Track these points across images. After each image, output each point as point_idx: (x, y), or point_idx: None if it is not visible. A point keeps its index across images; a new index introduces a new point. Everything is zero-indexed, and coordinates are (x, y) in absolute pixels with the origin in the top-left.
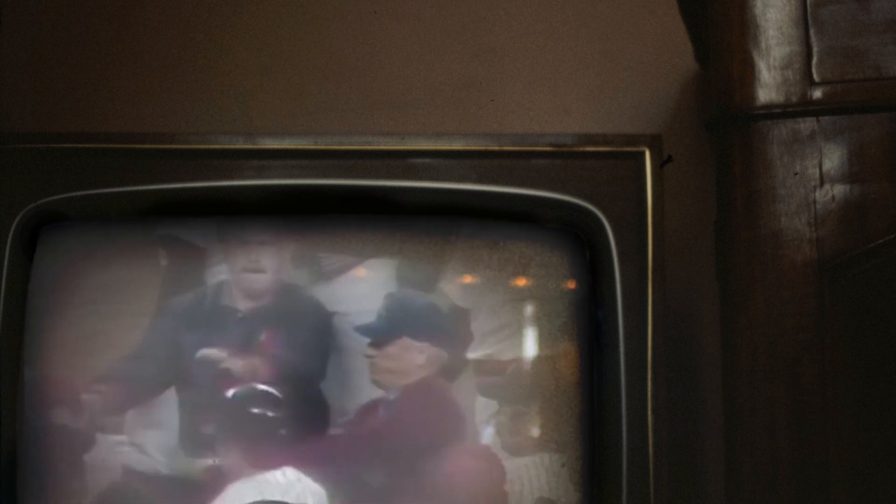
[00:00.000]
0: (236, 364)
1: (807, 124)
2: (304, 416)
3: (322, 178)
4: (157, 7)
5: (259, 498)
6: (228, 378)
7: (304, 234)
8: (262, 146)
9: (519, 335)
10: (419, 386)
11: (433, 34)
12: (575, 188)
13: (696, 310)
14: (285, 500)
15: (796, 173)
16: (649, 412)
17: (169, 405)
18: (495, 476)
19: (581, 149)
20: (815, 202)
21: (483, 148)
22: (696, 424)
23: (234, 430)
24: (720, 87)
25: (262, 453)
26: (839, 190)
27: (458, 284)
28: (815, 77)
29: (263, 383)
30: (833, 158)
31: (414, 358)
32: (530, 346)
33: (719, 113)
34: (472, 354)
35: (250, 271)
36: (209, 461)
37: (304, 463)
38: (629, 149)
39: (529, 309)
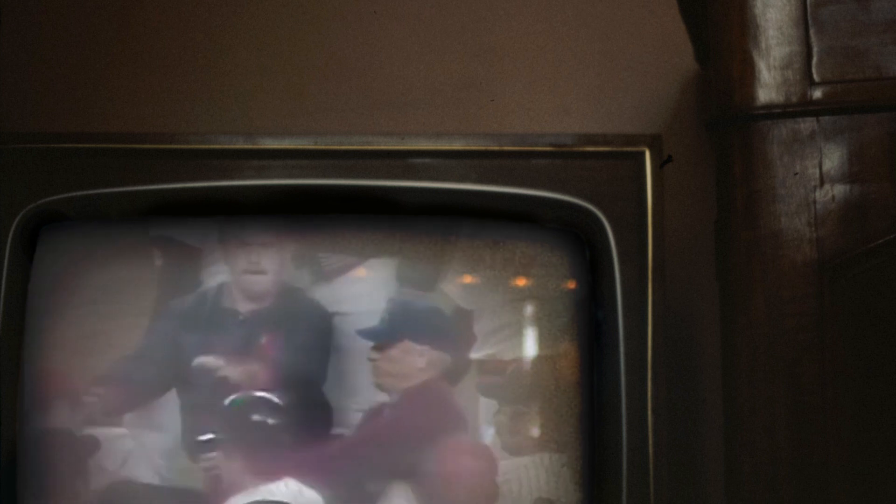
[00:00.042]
0: (234, 371)
1: (807, 124)
2: (306, 421)
3: (322, 178)
4: (157, 7)
5: None
6: (227, 384)
7: (304, 234)
8: (262, 146)
9: (519, 335)
10: (420, 389)
11: (433, 34)
12: (575, 188)
13: (696, 310)
14: None
15: (796, 173)
16: (649, 412)
17: (170, 408)
18: (490, 472)
19: (581, 149)
20: (815, 202)
21: (483, 148)
22: (696, 424)
23: (232, 438)
24: (720, 87)
25: (263, 461)
26: (839, 190)
27: (459, 284)
28: (815, 77)
29: (263, 389)
30: (833, 158)
31: (415, 361)
32: (530, 346)
33: (719, 113)
34: (472, 355)
35: (251, 273)
36: (209, 469)
37: (305, 471)
38: (629, 149)
39: (530, 309)
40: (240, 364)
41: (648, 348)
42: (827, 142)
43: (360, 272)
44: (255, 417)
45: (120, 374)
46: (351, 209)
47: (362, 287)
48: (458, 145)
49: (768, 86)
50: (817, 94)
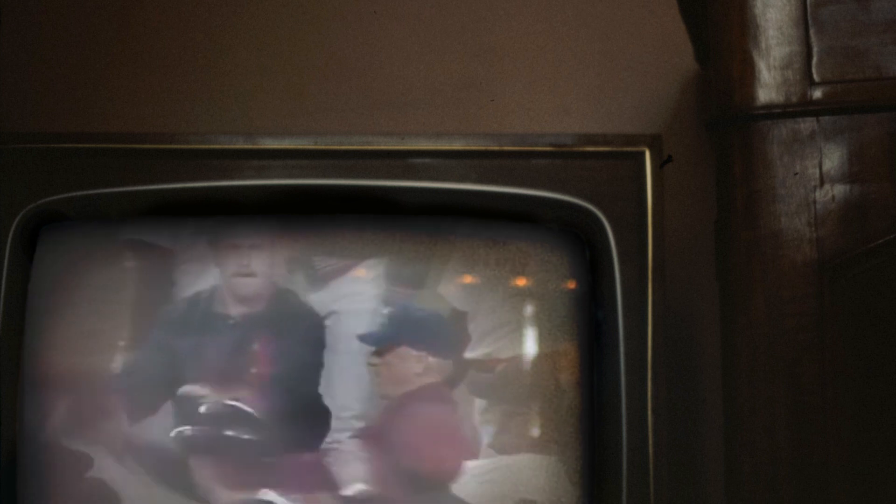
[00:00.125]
0: (219, 396)
1: (807, 124)
2: (301, 427)
3: (322, 178)
4: (157, 7)
5: None
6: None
7: (297, 236)
8: (262, 146)
9: (519, 335)
10: (417, 395)
11: (433, 34)
12: (575, 188)
13: (696, 310)
14: None
15: (796, 173)
16: (649, 412)
17: (164, 413)
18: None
19: (581, 149)
20: (815, 202)
21: (483, 148)
22: (696, 424)
23: (208, 446)
24: (720, 87)
25: (242, 471)
26: (839, 190)
27: (458, 284)
28: (815, 77)
29: (254, 398)
30: (833, 158)
31: (412, 367)
32: (530, 346)
33: (719, 113)
34: (471, 356)
35: (241, 275)
36: (199, 478)
37: (291, 480)
38: (629, 149)
39: (529, 309)
40: (227, 390)
41: (648, 348)
42: (827, 142)
43: (360, 272)
44: (230, 426)
45: (117, 377)
46: (351, 209)
47: (358, 287)
48: (458, 145)
49: (768, 86)
50: (817, 94)
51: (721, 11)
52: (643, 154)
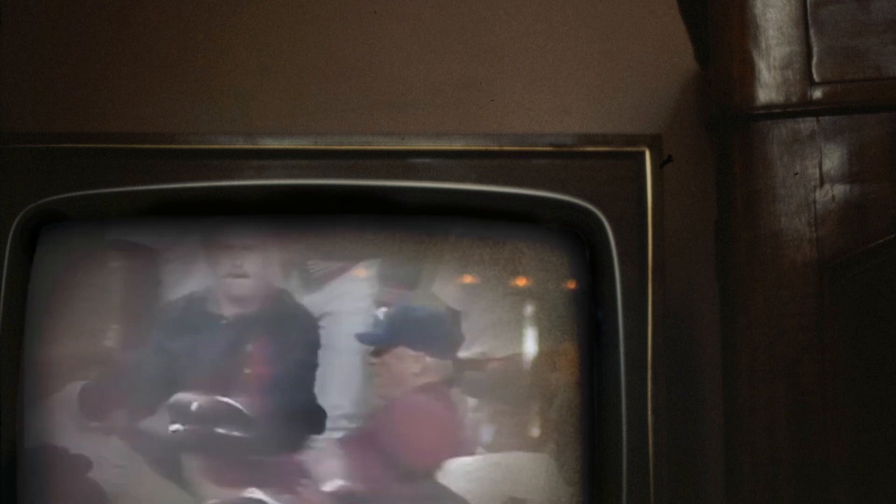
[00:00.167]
0: (210, 404)
1: (807, 124)
2: (295, 429)
3: (322, 178)
4: (157, 7)
5: None
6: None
7: (294, 236)
8: (262, 146)
9: (518, 335)
10: (414, 395)
11: (433, 34)
12: (575, 188)
13: (696, 310)
14: None
15: (796, 173)
16: (649, 412)
17: (162, 412)
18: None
19: (581, 149)
20: (815, 202)
21: (483, 148)
22: (696, 424)
23: (204, 446)
24: (720, 87)
25: (231, 470)
26: (839, 190)
27: (458, 284)
28: (815, 77)
29: (248, 398)
30: (833, 158)
31: (410, 367)
32: (530, 346)
33: (719, 113)
34: (468, 355)
35: (233, 276)
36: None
37: (287, 480)
38: (629, 149)
39: (529, 309)
40: (221, 391)
41: (648, 348)
42: (827, 142)
43: (360, 272)
44: (221, 423)
45: (115, 376)
46: (351, 209)
47: (356, 287)
48: (458, 145)
49: (768, 86)
50: (817, 94)
51: (721, 11)
52: (643, 154)
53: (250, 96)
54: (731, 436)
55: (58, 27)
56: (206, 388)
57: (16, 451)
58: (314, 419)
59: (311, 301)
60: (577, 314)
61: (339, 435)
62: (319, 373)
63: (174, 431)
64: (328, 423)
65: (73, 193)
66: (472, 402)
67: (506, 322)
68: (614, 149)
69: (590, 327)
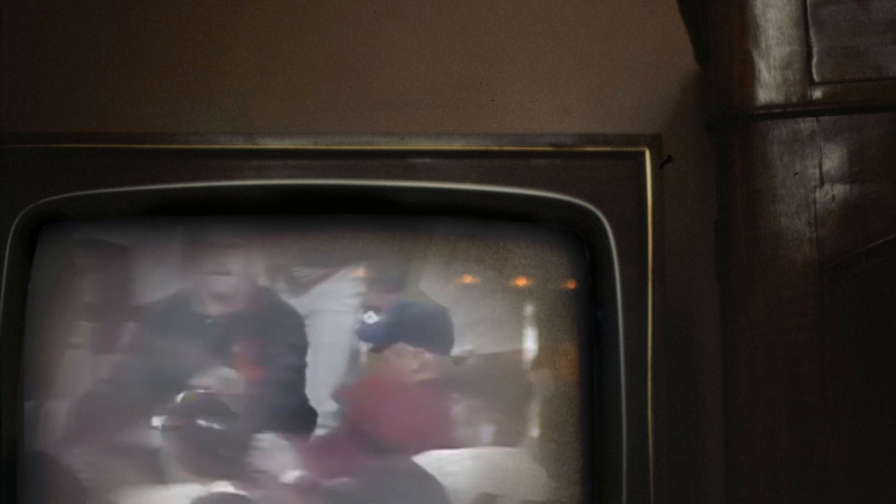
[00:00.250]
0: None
1: (807, 124)
2: (287, 427)
3: (322, 178)
4: (157, 7)
5: None
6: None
7: (279, 236)
8: (262, 146)
9: (518, 335)
10: (412, 390)
11: (433, 34)
12: (575, 188)
13: (696, 310)
14: None
15: (796, 173)
16: (649, 412)
17: (156, 411)
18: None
19: (581, 149)
20: (815, 202)
21: (483, 148)
22: (696, 424)
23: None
24: (720, 87)
25: (227, 465)
26: (839, 190)
27: (458, 284)
28: (815, 77)
29: (237, 396)
30: (833, 158)
31: (409, 363)
32: (530, 346)
33: (719, 113)
34: (468, 354)
35: (216, 274)
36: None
37: (276, 477)
38: (629, 149)
39: (529, 309)
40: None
41: (648, 348)
42: (827, 142)
43: (360, 272)
44: (203, 416)
45: (114, 376)
46: (351, 209)
47: (345, 287)
48: (458, 145)
49: (768, 86)
50: (817, 94)
51: (721, 11)
52: (643, 154)
53: (250, 96)
54: (731, 436)
55: (58, 27)
56: (193, 386)
57: (16, 451)
58: (304, 419)
59: (301, 302)
60: (577, 314)
61: (322, 431)
62: (309, 372)
63: (161, 427)
64: (318, 422)
65: (73, 193)
66: (468, 398)
67: (506, 322)
68: (614, 149)
69: (590, 327)
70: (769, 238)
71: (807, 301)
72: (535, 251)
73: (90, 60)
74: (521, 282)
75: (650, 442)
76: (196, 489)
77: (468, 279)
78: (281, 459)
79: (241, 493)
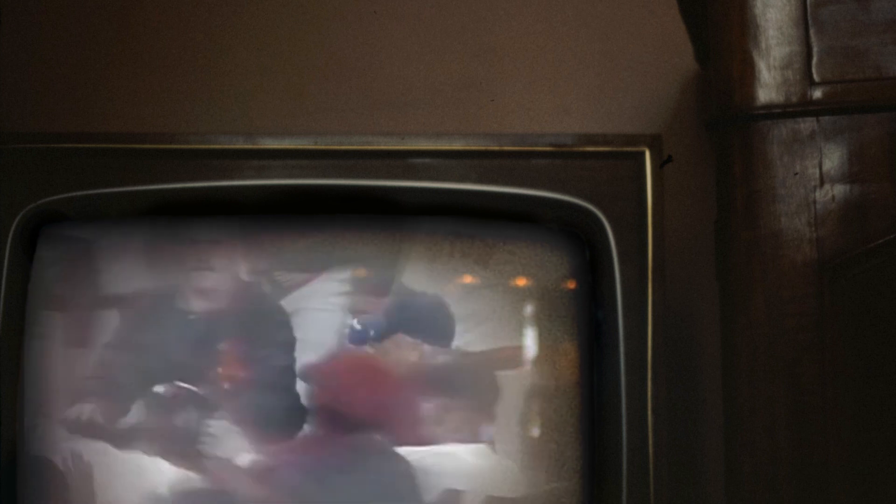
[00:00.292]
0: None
1: (807, 124)
2: (281, 422)
3: (322, 178)
4: (157, 7)
5: None
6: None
7: (263, 235)
8: (262, 146)
9: (518, 335)
10: (410, 382)
11: (433, 34)
12: (575, 188)
13: (696, 310)
14: None
15: (796, 173)
16: (649, 412)
17: (152, 408)
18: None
19: (581, 149)
20: (815, 202)
21: (483, 148)
22: (696, 424)
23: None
24: (720, 87)
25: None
26: (839, 190)
27: (458, 284)
28: (815, 77)
29: (224, 396)
30: (833, 158)
31: (407, 354)
32: (530, 346)
33: (719, 113)
34: (467, 352)
35: (199, 269)
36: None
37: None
38: (629, 149)
39: (529, 309)
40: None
41: (648, 348)
42: (827, 142)
43: (360, 272)
44: (182, 410)
45: (112, 376)
46: (351, 209)
47: (335, 286)
48: (458, 145)
49: (768, 86)
50: (817, 94)
51: (721, 11)
52: (643, 154)
53: (250, 96)
54: (731, 436)
55: (58, 27)
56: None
57: (16, 451)
58: (293, 417)
59: (288, 301)
60: (577, 314)
61: (333, 429)
62: (297, 368)
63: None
64: (315, 420)
65: (73, 193)
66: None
67: (505, 322)
68: (614, 149)
69: (590, 327)
70: (769, 238)
71: (807, 301)
72: (535, 251)
73: (90, 60)
74: (521, 282)
75: (650, 442)
76: (184, 483)
77: (468, 279)
78: (237, 444)
79: (234, 484)
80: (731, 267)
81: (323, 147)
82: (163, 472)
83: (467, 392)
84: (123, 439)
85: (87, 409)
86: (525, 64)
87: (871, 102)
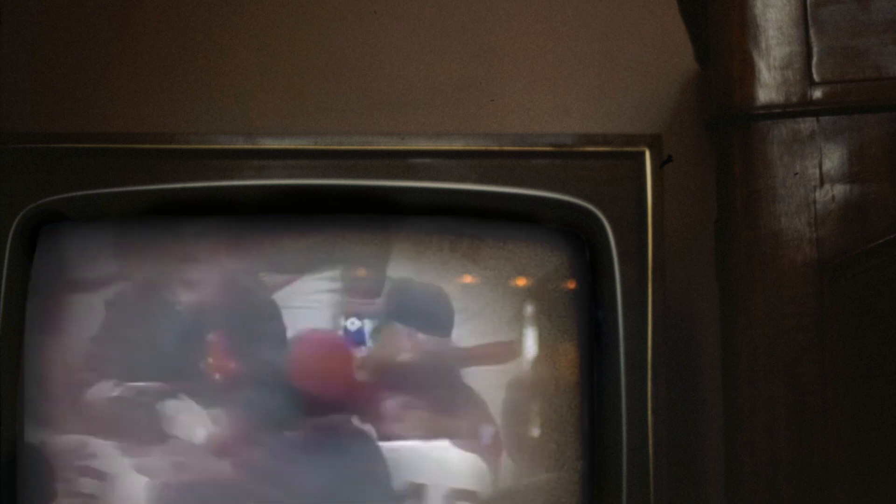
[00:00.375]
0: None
1: (807, 124)
2: (275, 414)
3: (322, 178)
4: (157, 7)
5: None
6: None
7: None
8: (262, 146)
9: (518, 335)
10: (405, 371)
11: (433, 34)
12: (575, 188)
13: (696, 310)
14: None
15: (796, 173)
16: (649, 412)
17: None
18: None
19: (581, 149)
20: (815, 202)
21: (483, 148)
22: (696, 424)
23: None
24: (720, 87)
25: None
26: (839, 190)
27: (458, 284)
28: (815, 77)
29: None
30: (833, 158)
31: (401, 343)
32: (530, 345)
33: (719, 113)
34: (463, 345)
35: (180, 256)
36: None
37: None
38: (629, 149)
39: (529, 309)
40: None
41: (648, 348)
42: (827, 142)
43: (361, 272)
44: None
45: (111, 375)
46: (351, 209)
47: (326, 284)
48: (458, 145)
49: (768, 86)
50: (817, 94)
51: (721, 11)
52: (643, 154)
53: (250, 96)
54: (731, 436)
55: (58, 27)
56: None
57: (16, 450)
58: (288, 408)
59: (281, 298)
60: (577, 314)
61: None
62: (288, 358)
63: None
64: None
65: (73, 193)
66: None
67: (505, 322)
68: (614, 149)
69: (590, 327)
70: (769, 238)
71: (807, 301)
72: (535, 251)
73: (90, 60)
74: (521, 282)
75: (650, 442)
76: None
77: (468, 279)
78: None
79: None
80: (731, 267)
81: (323, 147)
82: (158, 468)
83: (459, 387)
84: (123, 437)
85: (87, 408)
86: (525, 64)
87: (871, 102)
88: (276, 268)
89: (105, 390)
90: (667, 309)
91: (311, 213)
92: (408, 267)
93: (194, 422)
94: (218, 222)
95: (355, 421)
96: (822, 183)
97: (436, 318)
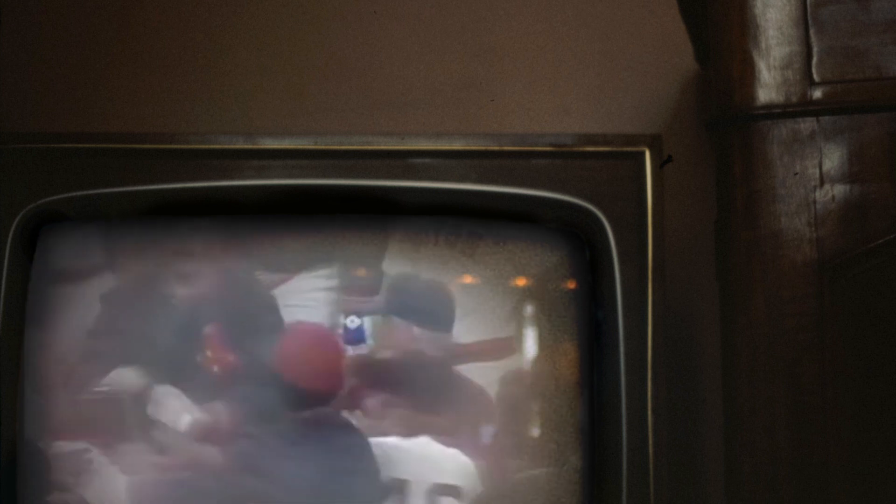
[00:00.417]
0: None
1: (807, 124)
2: (265, 406)
3: (322, 178)
4: (157, 7)
5: None
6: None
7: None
8: (262, 146)
9: (518, 335)
10: (398, 367)
11: (433, 34)
12: (575, 188)
13: (696, 310)
14: None
15: (796, 173)
16: (649, 412)
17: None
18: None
19: (581, 149)
20: (815, 202)
21: (483, 148)
22: (696, 424)
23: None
24: (720, 87)
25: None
26: (839, 190)
27: (458, 284)
28: (815, 77)
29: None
30: (833, 158)
31: (398, 336)
32: (530, 345)
33: (719, 113)
34: (461, 342)
35: (179, 255)
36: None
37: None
38: (629, 149)
39: (529, 309)
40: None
41: (648, 348)
42: (827, 142)
43: (361, 272)
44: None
45: (110, 374)
46: (351, 209)
47: (321, 283)
48: (458, 145)
49: (768, 86)
50: (817, 94)
51: (721, 11)
52: (643, 154)
53: (250, 96)
54: (731, 436)
55: (58, 27)
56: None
57: (16, 450)
58: (287, 401)
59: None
60: (577, 314)
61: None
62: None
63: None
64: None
65: (73, 193)
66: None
67: (505, 322)
68: (614, 149)
69: (590, 327)
70: (769, 238)
71: (807, 301)
72: (535, 251)
73: (90, 60)
74: (521, 282)
75: (650, 442)
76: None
77: (468, 279)
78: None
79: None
80: (731, 267)
81: (323, 147)
82: (152, 463)
83: (456, 384)
84: (121, 435)
85: (86, 406)
86: (525, 64)
87: (871, 102)
88: (276, 267)
89: (103, 387)
90: (667, 309)
91: (310, 213)
92: (407, 266)
93: (189, 415)
94: (218, 222)
95: (344, 415)
96: (822, 183)
97: (437, 312)
